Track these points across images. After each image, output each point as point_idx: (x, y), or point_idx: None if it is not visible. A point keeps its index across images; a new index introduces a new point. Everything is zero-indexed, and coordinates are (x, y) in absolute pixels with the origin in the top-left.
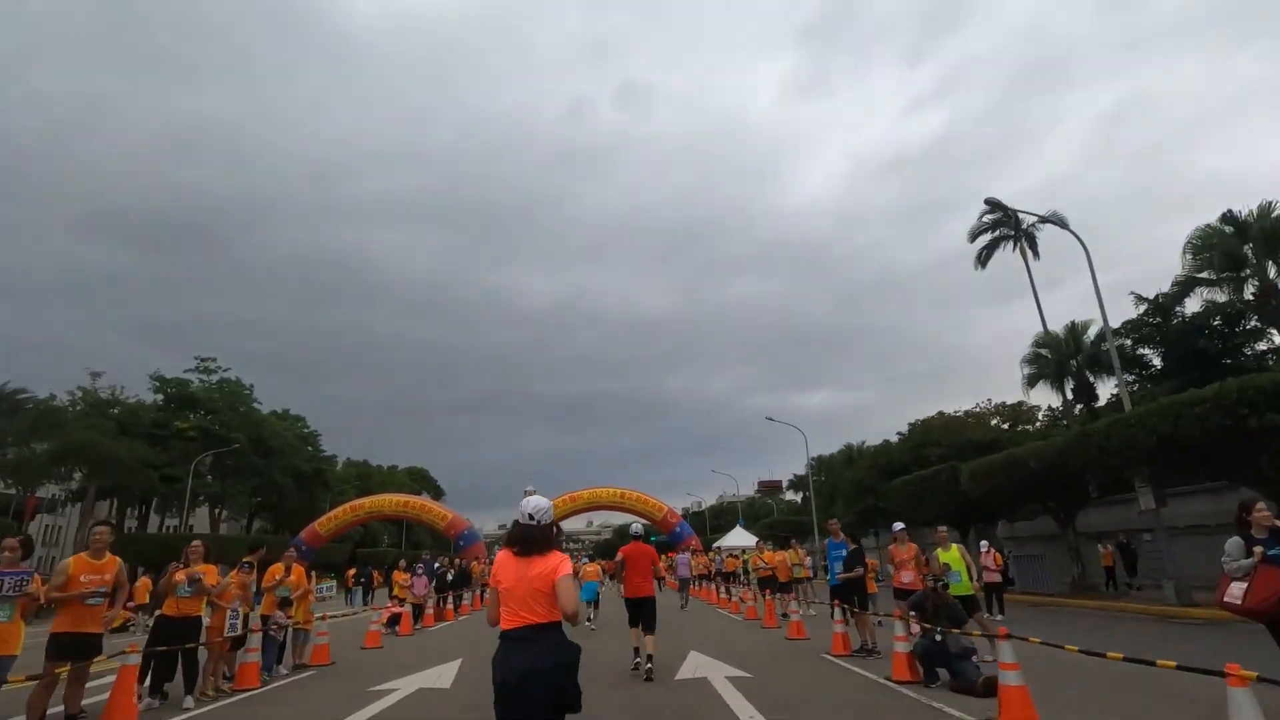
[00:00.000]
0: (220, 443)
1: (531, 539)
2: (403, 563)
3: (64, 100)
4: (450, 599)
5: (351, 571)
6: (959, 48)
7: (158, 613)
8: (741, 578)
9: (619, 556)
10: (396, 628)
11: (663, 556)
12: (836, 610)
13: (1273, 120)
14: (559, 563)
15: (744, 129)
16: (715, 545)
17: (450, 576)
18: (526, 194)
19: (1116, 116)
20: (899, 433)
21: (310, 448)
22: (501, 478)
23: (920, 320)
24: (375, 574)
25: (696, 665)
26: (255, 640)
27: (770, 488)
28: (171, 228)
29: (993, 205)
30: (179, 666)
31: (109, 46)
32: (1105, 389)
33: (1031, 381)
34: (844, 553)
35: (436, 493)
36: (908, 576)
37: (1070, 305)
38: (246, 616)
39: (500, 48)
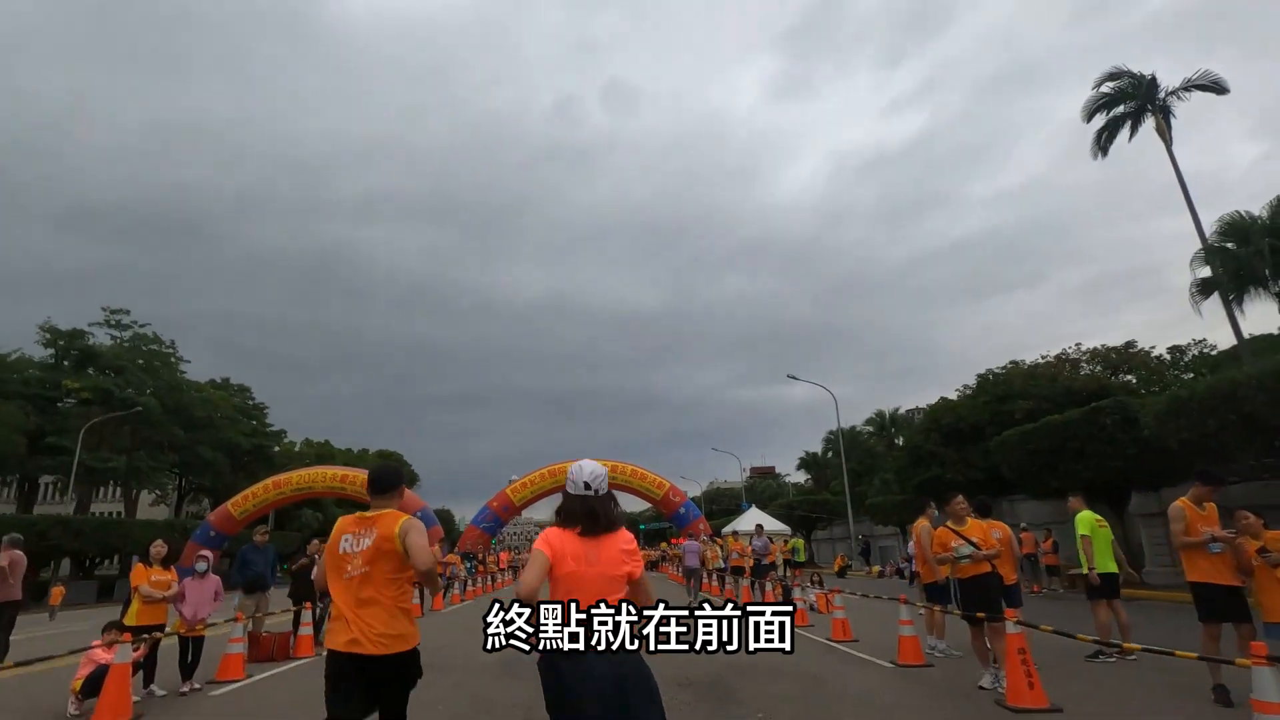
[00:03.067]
0: (124, 407)
1: (598, 514)
2: (158, 543)
3: (47, 96)
4: (311, 615)
5: None
6: (936, 51)
7: None
8: (778, 568)
9: None
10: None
11: (663, 543)
12: None
13: (1239, 127)
14: (634, 547)
15: (729, 129)
16: (755, 525)
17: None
18: (515, 191)
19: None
20: (965, 385)
21: (255, 421)
22: (488, 469)
23: (899, 316)
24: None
25: None
26: None
27: (763, 473)
28: (157, 224)
29: None
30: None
31: (93, 41)
32: None
33: (1205, 289)
34: None
35: (410, 479)
36: None
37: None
38: None
39: (488, 46)
